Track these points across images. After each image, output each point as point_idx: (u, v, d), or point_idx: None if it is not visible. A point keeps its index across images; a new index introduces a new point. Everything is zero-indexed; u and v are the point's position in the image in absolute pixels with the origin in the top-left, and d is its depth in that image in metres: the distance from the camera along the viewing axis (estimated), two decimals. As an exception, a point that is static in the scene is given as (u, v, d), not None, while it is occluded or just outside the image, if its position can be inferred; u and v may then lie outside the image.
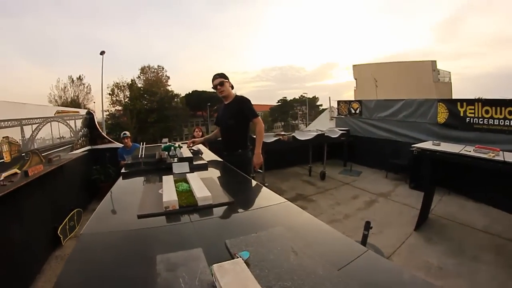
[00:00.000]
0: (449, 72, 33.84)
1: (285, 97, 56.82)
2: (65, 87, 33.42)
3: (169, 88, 42.19)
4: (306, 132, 7.61)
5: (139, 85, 39.65)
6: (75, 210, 4.69)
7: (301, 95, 55.72)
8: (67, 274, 1.05)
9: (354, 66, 36.63)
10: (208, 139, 3.86)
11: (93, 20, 70.89)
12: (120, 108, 37.86)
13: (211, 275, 0.88)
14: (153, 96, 38.49)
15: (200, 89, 44.47)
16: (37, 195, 3.76)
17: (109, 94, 36.70)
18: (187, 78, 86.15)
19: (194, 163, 2.58)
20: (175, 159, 2.59)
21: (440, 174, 4.58)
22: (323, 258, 1.02)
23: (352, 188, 6.49)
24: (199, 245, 1.11)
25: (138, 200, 1.65)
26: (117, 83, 37.46)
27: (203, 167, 2.55)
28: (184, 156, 2.69)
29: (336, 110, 9.57)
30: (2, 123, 3.49)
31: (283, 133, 7.34)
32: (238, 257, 0.97)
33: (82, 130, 6.40)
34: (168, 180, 1.94)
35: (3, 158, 3.42)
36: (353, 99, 11.15)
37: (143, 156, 2.71)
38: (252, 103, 3.25)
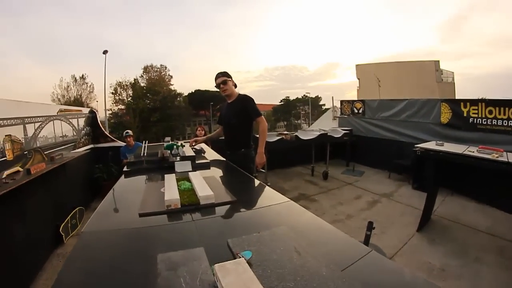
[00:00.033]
0: (452, 72, 33.70)
1: (288, 97, 56.99)
2: (68, 86, 33.71)
3: (172, 87, 42.31)
4: (309, 132, 7.59)
5: (142, 84, 39.77)
6: (77, 208, 4.70)
7: (304, 95, 55.92)
8: (67, 272, 1.05)
9: (357, 65, 36.57)
10: (211, 137, 3.85)
11: (97, 19, 71.38)
12: (123, 107, 38.01)
13: (213, 275, 0.87)
14: (156, 95, 38.54)
15: (203, 88, 44.61)
16: (39, 193, 3.77)
17: (112, 93, 36.93)
18: (190, 77, 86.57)
19: (197, 162, 2.58)
20: (178, 158, 2.59)
21: (443, 175, 4.55)
22: (326, 258, 1.01)
23: (354, 188, 6.46)
24: (201, 245, 1.10)
25: (139, 199, 1.65)
26: (120, 82, 37.69)
27: (206, 166, 2.55)
28: (186, 155, 2.68)
29: (339, 110, 9.54)
30: (4, 121, 3.50)
31: (286, 132, 7.33)
32: (240, 257, 0.96)
33: (85, 129, 6.42)
34: (170, 179, 1.94)
35: (5, 156, 3.43)
36: (356, 99, 11.13)
37: (145, 154, 2.71)
38: (255, 102, 3.23)
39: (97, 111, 7.32)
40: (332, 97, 10.14)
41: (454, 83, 33.18)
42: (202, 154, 3.00)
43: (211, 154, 3.21)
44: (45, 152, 4.35)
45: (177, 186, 1.77)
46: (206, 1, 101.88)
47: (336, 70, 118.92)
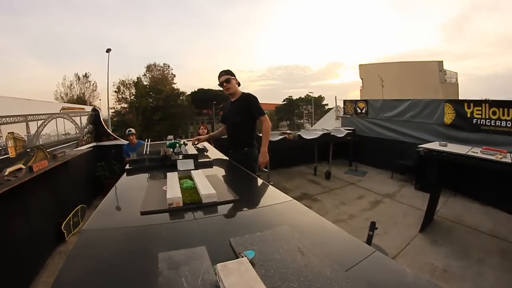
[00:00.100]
0: (456, 73, 33.67)
1: (291, 96, 56.96)
2: (71, 84, 33.84)
3: (174, 86, 42.37)
4: (312, 131, 7.58)
5: (145, 83, 39.84)
6: (79, 206, 4.70)
7: (307, 94, 55.82)
8: (68, 269, 1.04)
9: (360, 65, 36.58)
10: (213, 136, 3.83)
11: (100, 18, 71.69)
12: (126, 105, 38.09)
13: (215, 274, 0.85)
14: (158, 94, 38.62)
15: (205, 87, 44.69)
16: (42, 191, 3.77)
17: (115, 91, 36.95)
18: (193, 76, 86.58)
19: (199, 160, 2.57)
20: (180, 156, 2.58)
21: (446, 176, 4.54)
22: (330, 258, 0.99)
23: (357, 188, 6.45)
24: (203, 243, 1.09)
25: (141, 197, 1.64)
26: (123, 80, 37.74)
27: (208, 165, 2.55)
28: (189, 153, 2.68)
29: (342, 109, 9.52)
30: (7, 119, 3.50)
31: (289, 132, 7.32)
32: (243, 257, 0.95)
33: (88, 127, 6.43)
34: (172, 177, 1.93)
35: (8, 154, 3.43)
36: (359, 98, 11.09)
37: (147, 152, 2.70)
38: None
39: (100, 109, 7.33)
40: (335, 97, 10.12)
41: (457, 83, 33.15)
42: (205, 153, 2.99)
43: (213, 153, 3.20)
44: (47, 150, 4.36)
45: (179, 184, 1.75)
46: (210, 0, 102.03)
47: (339, 70, 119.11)
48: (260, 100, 3.19)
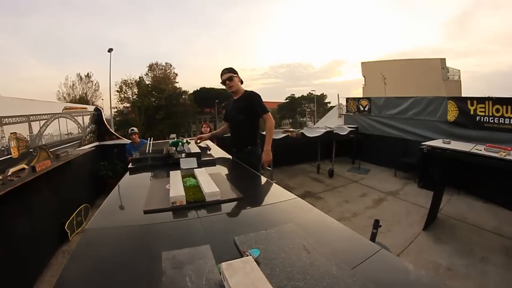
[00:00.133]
0: (459, 70, 33.56)
1: (293, 94, 57.01)
2: (73, 84, 33.92)
3: (177, 85, 42.34)
4: (314, 129, 7.56)
5: (147, 82, 39.87)
6: (82, 206, 4.70)
7: (309, 92, 55.75)
8: (71, 268, 1.03)
9: (362, 63, 36.55)
10: (216, 134, 3.79)
11: (102, 18, 71.84)
12: (128, 105, 38.13)
13: (219, 274, 0.84)
14: (161, 93, 38.61)
15: (208, 86, 44.73)
16: (45, 191, 3.78)
17: (117, 91, 37.02)
18: (195, 75, 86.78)
19: (202, 158, 2.56)
20: (183, 155, 2.57)
21: (450, 173, 4.51)
22: (336, 256, 0.98)
23: (360, 186, 6.43)
24: (207, 242, 1.08)
25: (144, 195, 1.63)
26: (125, 80, 37.77)
27: (211, 163, 2.54)
28: (192, 151, 2.67)
29: (345, 107, 9.49)
30: (10, 119, 3.50)
31: (291, 129, 7.30)
32: (247, 255, 0.94)
33: (90, 126, 6.43)
34: (175, 175, 1.92)
35: (11, 154, 3.43)
36: (361, 96, 11.06)
37: (150, 151, 2.70)
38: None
39: (102, 109, 7.34)
40: (338, 95, 10.12)
41: (460, 81, 33.03)
42: (208, 151, 2.98)
43: (216, 151, 3.20)
44: (50, 150, 4.35)
45: (183, 182, 1.74)
46: (210, 0, 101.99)
47: (342, 68, 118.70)
48: (263, 98, 3.16)
